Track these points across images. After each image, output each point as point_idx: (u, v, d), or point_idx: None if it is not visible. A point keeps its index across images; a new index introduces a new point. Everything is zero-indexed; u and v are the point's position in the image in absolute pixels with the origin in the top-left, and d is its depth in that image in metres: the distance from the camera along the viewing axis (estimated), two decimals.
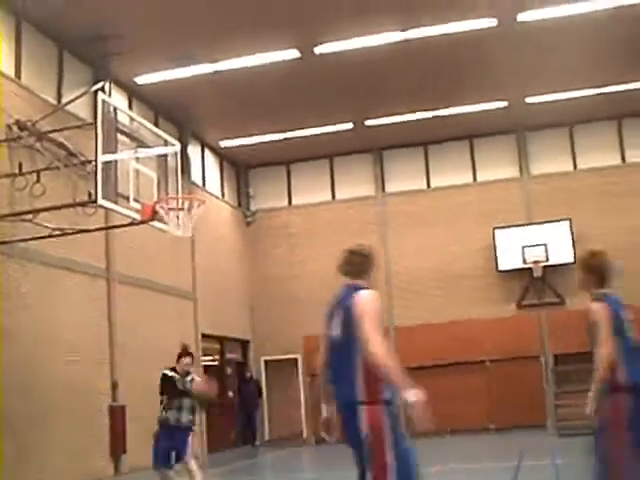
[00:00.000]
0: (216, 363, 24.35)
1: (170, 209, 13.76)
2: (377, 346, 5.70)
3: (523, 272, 23.86)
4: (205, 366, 21.96)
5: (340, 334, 6.02)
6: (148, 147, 14.63)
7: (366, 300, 5.92)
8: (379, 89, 20.80)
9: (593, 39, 18.47)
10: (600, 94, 21.96)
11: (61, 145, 15.32)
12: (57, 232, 14.19)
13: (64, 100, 16.81)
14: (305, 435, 25.14)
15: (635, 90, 21.81)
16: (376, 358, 5.63)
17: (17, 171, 14.37)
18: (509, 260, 23.94)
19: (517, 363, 23.28)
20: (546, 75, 20.67)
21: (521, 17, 17.27)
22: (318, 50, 18.10)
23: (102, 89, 16.75)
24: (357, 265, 6.36)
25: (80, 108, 17.18)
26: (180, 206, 14.04)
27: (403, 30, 17.44)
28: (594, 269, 6.81)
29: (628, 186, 23.99)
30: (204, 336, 22.22)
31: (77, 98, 16.61)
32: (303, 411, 25.33)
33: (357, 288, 6.01)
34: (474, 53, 18.93)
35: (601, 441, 6.29)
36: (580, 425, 21.07)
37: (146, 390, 18.63)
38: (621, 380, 6.33)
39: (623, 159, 24.52)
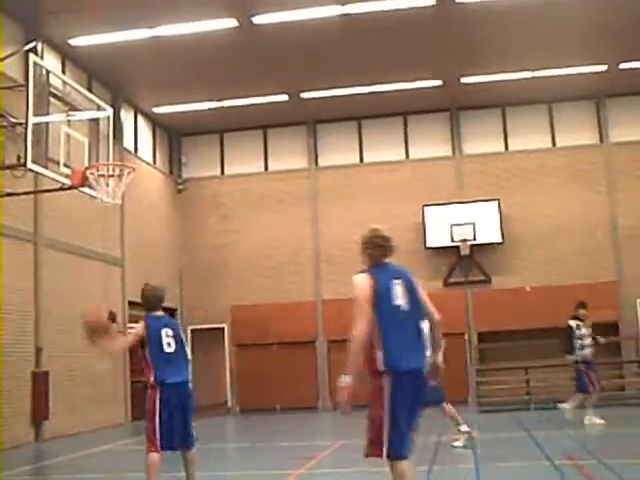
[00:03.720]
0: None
1: (100, 175, 13.63)
2: (354, 331, 6.11)
3: (451, 250, 24.21)
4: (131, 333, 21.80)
5: None
6: (80, 111, 14.42)
7: (354, 285, 6.47)
8: (316, 62, 20.79)
9: (528, 21, 18.72)
10: (533, 77, 22.32)
11: None
12: None
13: None
14: (230, 404, 25.24)
15: (566, 75, 22.21)
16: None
17: None
18: (437, 237, 24.24)
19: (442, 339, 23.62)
20: (481, 56, 20.94)
21: None
22: (256, 20, 17.99)
23: (34, 49, 16.42)
24: (361, 249, 6.98)
25: (10, 68, 16.78)
26: (111, 173, 13.89)
27: (342, 4, 17.44)
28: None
29: (557, 169, 24.52)
30: (131, 303, 22.06)
31: (7, 57, 16.24)
32: (228, 380, 25.41)
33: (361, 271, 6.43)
34: (412, 31, 19.04)
35: None
36: (500, 402, 21.68)
37: (70, 357, 18.56)
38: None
39: (554, 142, 24.97)
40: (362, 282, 6.54)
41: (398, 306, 6.37)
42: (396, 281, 6.63)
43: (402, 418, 6.13)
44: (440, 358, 6.87)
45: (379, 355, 6.17)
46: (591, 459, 10.86)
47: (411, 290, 6.60)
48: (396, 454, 6.10)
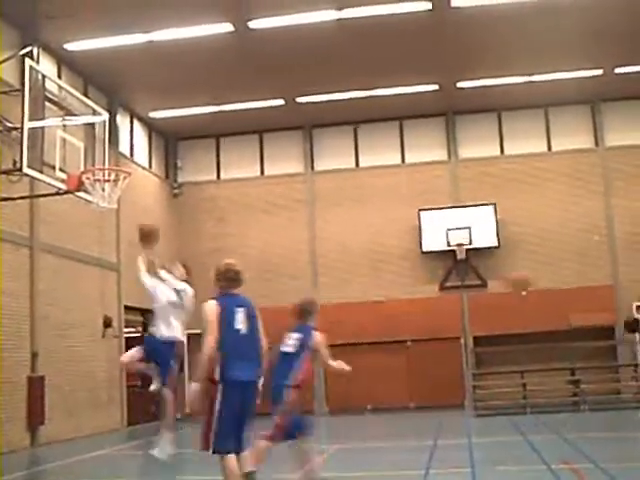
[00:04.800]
0: (138, 335, 24.17)
1: (96, 180, 13.60)
2: (203, 347, 7.49)
3: (447, 254, 24.21)
4: (127, 338, 21.78)
5: None
6: (76, 115, 14.41)
7: (205, 309, 7.93)
8: (312, 67, 20.80)
9: (524, 26, 18.76)
10: (529, 82, 22.36)
11: None
12: None
13: None
14: None
15: (562, 80, 22.25)
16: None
17: None
18: (433, 242, 24.24)
19: (438, 343, 23.64)
20: (478, 60, 20.97)
21: (455, 2, 17.43)
22: (252, 25, 17.99)
23: (30, 54, 16.40)
24: (215, 279, 8.47)
25: (6, 72, 16.76)
26: (106, 177, 13.87)
27: (338, 9, 17.45)
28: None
29: (553, 173, 24.55)
30: (127, 308, 22.03)
31: (3, 62, 16.22)
32: None
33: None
34: (408, 36, 19.05)
35: None
36: (496, 405, 21.69)
37: (66, 361, 18.53)
38: None
39: (549, 147, 25.00)
40: (211, 307, 7.83)
41: (238, 330, 7.74)
42: (239, 309, 7.94)
43: (228, 420, 7.42)
44: (262, 379, 7.92)
45: (217, 368, 7.49)
46: (588, 463, 10.85)
47: (251, 317, 8.01)
48: (220, 450, 7.43)
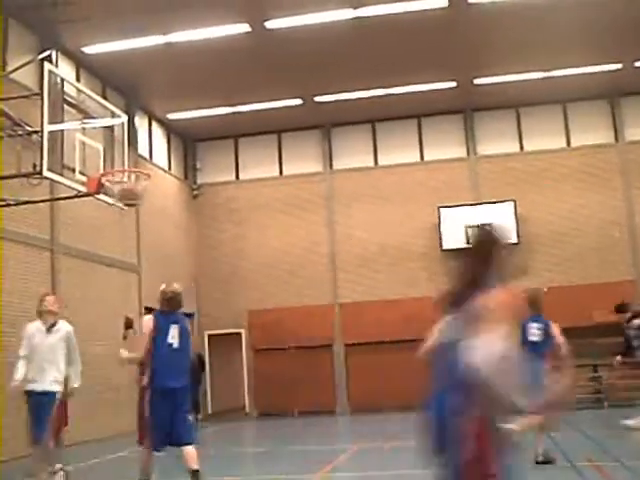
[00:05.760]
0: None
1: (116, 182, 13.64)
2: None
3: None
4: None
5: None
6: (95, 118, 14.46)
7: (143, 323, 9.63)
8: (329, 66, 20.80)
9: (541, 21, 18.66)
10: (547, 77, 22.26)
11: (5, 114, 15.03)
12: (1, 203, 13.98)
13: (9, 68, 16.49)
14: (248, 408, 25.25)
15: (580, 75, 22.13)
16: None
17: None
18: (453, 239, 24.14)
19: None
20: (495, 56, 20.90)
21: None
22: (269, 25, 18.02)
23: (49, 58, 16.49)
24: (159, 299, 9.46)
25: (25, 76, 16.87)
26: (126, 179, 13.92)
27: (354, 7, 17.44)
28: None
29: (572, 168, 24.42)
30: (147, 309, 22.07)
31: (22, 66, 16.29)
32: (246, 385, 25.42)
33: None
34: (424, 33, 19.02)
35: None
36: None
37: (88, 363, 18.58)
38: None
39: (568, 142, 24.88)
40: (148, 322, 9.13)
41: (170, 344, 8.95)
42: (173, 325, 9.06)
43: (158, 422, 8.76)
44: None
45: (149, 374, 8.87)
46: (611, 461, 10.79)
47: (184, 334, 9.16)
48: (154, 447, 8.89)
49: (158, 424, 8.74)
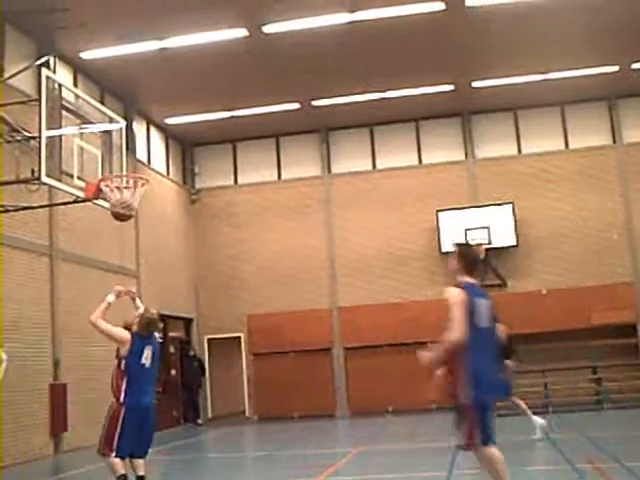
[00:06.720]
0: (160, 341, 24.24)
1: (114, 187, 13.64)
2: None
3: None
4: None
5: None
6: (92, 124, 14.46)
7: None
8: (327, 70, 20.81)
9: (538, 24, 18.67)
10: (545, 80, 22.28)
11: (3, 120, 15.05)
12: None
13: (6, 74, 16.50)
14: (248, 413, 25.24)
15: (578, 77, 22.15)
16: None
17: None
18: (452, 242, 24.12)
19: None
20: (492, 59, 20.92)
21: (469, 2, 17.39)
22: (266, 29, 18.02)
23: (46, 64, 16.53)
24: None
25: (23, 82, 16.90)
26: (124, 185, 13.91)
27: (351, 11, 17.45)
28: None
29: (571, 171, 24.43)
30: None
31: (20, 72, 16.35)
32: (246, 389, 25.42)
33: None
34: (422, 36, 19.02)
35: None
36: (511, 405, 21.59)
37: (88, 368, 18.60)
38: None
39: (566, 145, 24.89)
40: (125, 334, 9.84)
41: (143, 364, 9.67)
42: (148, 347, 9.75)
43: (128, 433, 9.49)
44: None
45: (124, 391, 9.69)
46: (612, 462, 10.79)
47: (156, 354, 9.87)
48: (119, 454, 9.50)
49: (128, 435, 9.48)
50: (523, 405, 13.55)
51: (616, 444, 13.15)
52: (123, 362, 9.86)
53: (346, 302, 24.72)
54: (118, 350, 10.07)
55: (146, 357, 9.72)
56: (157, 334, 10.45)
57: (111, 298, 10.26)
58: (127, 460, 9.70)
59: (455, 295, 6.99)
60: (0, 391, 12.00)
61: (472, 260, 7.63)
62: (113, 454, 9.53)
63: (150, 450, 9.99)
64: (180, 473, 9.24)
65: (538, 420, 13.17)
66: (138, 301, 11.00)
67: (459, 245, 7.91)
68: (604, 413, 20.41)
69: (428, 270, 24.57)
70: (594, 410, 20.88)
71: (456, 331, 6.78)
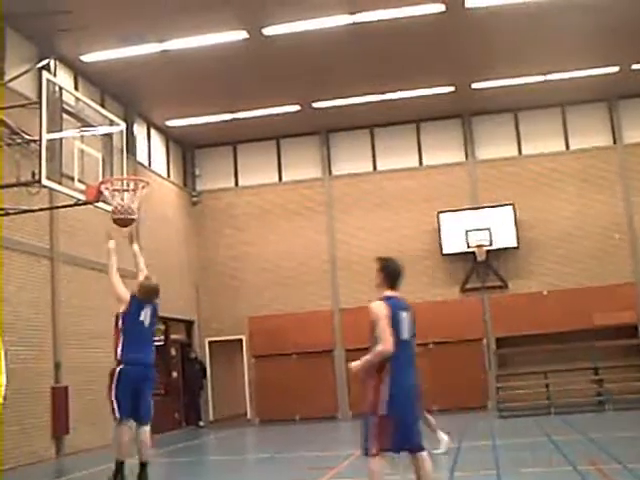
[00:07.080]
0: (160, 344, 24.25)
1: (115, 190, 13.64)
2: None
3: (467, 256, 24.14)
4: None
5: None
6: (93, 126, 14.47)
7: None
8: (327, 71, 20.81)
9: (538, 25, 18.68)
10: (545, 81, 22.27)
11: (4, 123, 15.06)
12: (0, 212, 13.98)
13: (7, 77, 16.49)
14: (249, 415, 25.22)
15: (578, 78, 22.14)
16: None
17: None
18: (453, 244, 24.18)
19: (460, 346, 23.56)
20: (492, 61, 20.91)
21: (469, 3, 17.38)
22: (266, 31, 18.02)
23: (47, 67, 16.54)
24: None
25: (24, 85, 16.88)
26: (125, 187, 13.91)
27: (351, 13, 17.44)
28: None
29: (571, 172, 24.43)
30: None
31: (21, 75, 16.35)
32: (247, 392, 25.39)
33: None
34: (422, 38, 19.02)
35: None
36: (520, 407, 21.59)
37: (89, 370, 18.59)
38: None
39: (567, 146, 24.88)
40: (126, 294, 10.40)
41: (142, 322, 10.18)
42: (147, 306, 10.36)
43: (126, 394, 9.89)
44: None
45: (120, 348, 10.06)
46: (615, 464, 10.77)
47: (153, 314, 10.45)
48: (121, 414, 9.82)
49: (126, 393, 9.90)
50: (433, 421, 13.47)
51: (618, 445, 13.13)
52: (121, 320, 10.31)
53: (348, 304, 24.69)
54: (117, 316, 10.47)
55: (144, 316, 10.25)
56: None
57: (112, 244, 11.46)
58: (131, 424, 9.97)
59: (381, 309, 7.76)
60: (0, 409, 12.00)
61: (393, 273, 8.20)
62: (117, 417, 9.88)
63: (150, 417, 10.27)
64: (182, 476, 9.21)
65: (444, 437, 13.16)
66: (135, 246, 12.00)
67: (380, 259, 8.32)
68: (606, 414, 20.39)
69: (429, 271, 24.55)
70: (596, 411, 20.86)
71: (386, 343, 7.23)
